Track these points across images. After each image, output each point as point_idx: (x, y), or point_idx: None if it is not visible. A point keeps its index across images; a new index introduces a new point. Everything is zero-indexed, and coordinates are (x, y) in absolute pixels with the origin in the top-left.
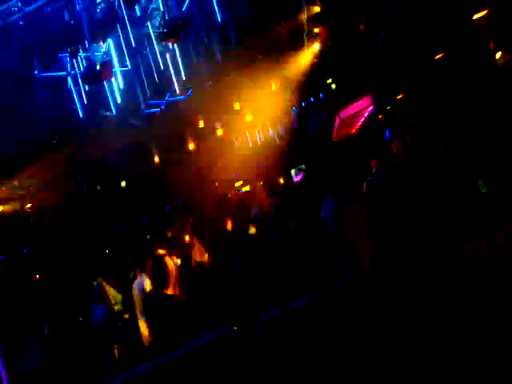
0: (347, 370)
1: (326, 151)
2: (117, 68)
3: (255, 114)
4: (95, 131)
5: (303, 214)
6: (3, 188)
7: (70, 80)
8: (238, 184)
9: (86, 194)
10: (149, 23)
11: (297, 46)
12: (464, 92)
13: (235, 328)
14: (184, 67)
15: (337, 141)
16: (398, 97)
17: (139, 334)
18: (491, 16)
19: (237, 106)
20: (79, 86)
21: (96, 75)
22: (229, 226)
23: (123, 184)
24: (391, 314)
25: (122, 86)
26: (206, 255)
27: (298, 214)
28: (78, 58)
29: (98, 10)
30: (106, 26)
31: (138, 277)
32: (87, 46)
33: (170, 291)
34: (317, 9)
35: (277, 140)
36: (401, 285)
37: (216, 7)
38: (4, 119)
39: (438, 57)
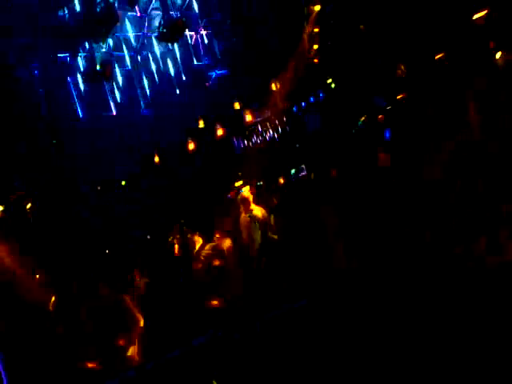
0: None
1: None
2: None
3: None
4: None
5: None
6: None
7: None
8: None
9: None
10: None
11: None
12: (464, 92)
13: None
14: None
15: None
16: (398, 97)
17: None
18: (491, 16)
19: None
20: None
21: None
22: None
23: None
24: None
25: None
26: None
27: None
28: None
29: (98, 10)
30: (106, 25)
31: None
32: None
33: None
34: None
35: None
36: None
37: None
38: None
39: (438, 57)
